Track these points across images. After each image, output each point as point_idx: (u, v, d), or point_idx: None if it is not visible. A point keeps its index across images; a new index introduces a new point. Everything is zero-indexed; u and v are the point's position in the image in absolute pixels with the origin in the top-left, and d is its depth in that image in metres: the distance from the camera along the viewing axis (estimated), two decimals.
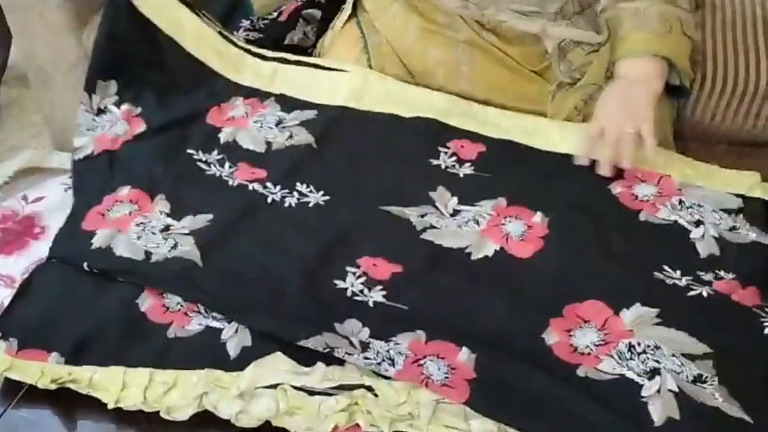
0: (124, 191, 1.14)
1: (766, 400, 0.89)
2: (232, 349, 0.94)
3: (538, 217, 1.11)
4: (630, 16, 1.20)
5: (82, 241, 1.07)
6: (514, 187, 1.15)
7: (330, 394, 0.89)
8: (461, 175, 1.18)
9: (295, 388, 0.89)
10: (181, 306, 0.99)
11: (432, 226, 1.09)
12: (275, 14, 1.44)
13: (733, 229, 1.10)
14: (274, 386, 0.89)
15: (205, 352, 0.94)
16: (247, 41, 1.40)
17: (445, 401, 0.88)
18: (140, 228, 1.09)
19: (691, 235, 1.09)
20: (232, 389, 0.89)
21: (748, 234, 1.09)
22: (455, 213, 1.12)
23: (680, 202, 1.14)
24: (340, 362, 0.91)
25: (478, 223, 1.10)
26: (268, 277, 1.01)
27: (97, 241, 1.07)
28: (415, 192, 1.15)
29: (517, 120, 1.26)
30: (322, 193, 1.14)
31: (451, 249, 1.06)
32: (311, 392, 0.89)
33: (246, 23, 1.44)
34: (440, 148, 1.22)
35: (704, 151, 1.28)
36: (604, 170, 1.16)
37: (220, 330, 0.96)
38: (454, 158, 1.21)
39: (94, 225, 1.10)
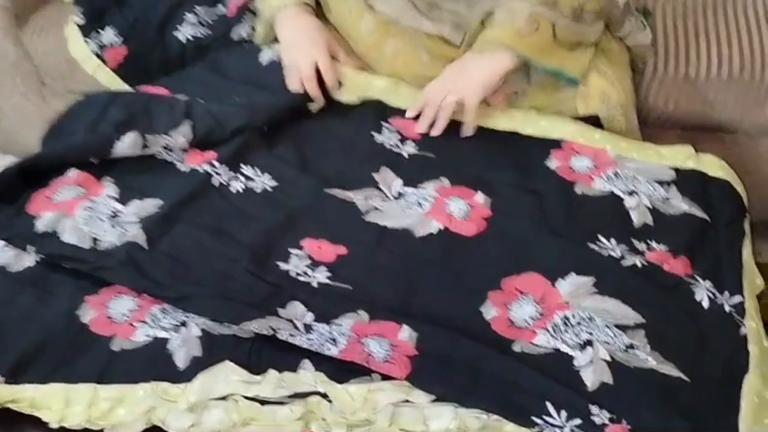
0: (72, 174, 1.14)
1: (700, 361, 0.93)
2: (180, 360, 0.91)
3: (480, 197, 1.13)
4: (503, 11, 1.21)
5: (26, 223, 1.07)
6: (457, 167, 1.18)
7: (283, 403, 0.87)
8: (405, 155, 1.20)
9: (247, 398, 0.87)
10: (126, 316, 0.96)
11: (376, 208, 1.11)
12: (223, 9, 1.45)
13: (666, 200, 1.14)
14: (226, 397, 0.88)
15: (151, 365, 0.91)
16: (195, 38, 1.42)
17: (403, 404, 0.88)
18: (87, 213, 1.08)
19: (626, 204, 1.12)
20: (181, 402, 0.87)
21: (681, 205, 1.13)
22: (399, 195, 1.14)
23: (615, 174, 1.17)
24: (293, 368, 0.90)
25: (421, 206, 1.12)
26: (215, 262, 1.03)
27: (41, 225, 1.06)
28: (360, 174, 1.17)
29: None
30: (268, 176, 1.16)
31: (395, 229, 1.09)
32: (264, 402, 0.87)
33: (191, 17, 1.44)
34: (383, 123, 1.24)
35: (658, 137, 1.32)
36: (420, 127, 1.23)
37: (167, 340, 0.93)
38: (397, 136, 1.23)
39: (39, 208, 1.08)
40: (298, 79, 1.26)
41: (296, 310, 0.97)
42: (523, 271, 1.02)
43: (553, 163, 1.18)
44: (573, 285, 1.00)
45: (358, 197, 1.13)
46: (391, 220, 1.10)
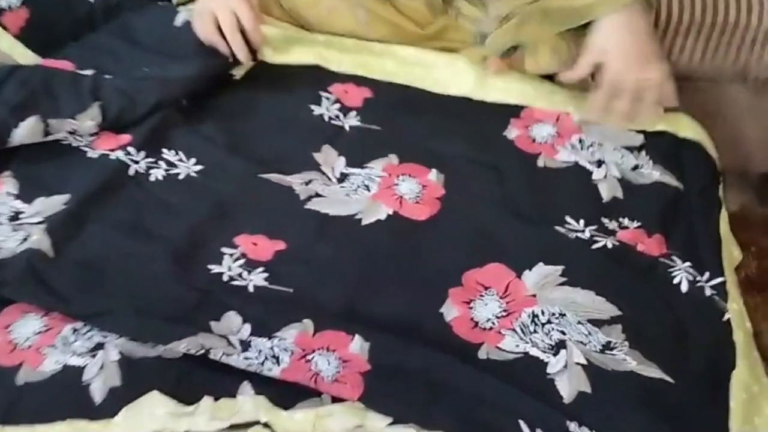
0: None
1: (682, 357, 0.85)
2: (98, 392, 0.78)
3: (433, 175, 1.02)
4: None
5: None
6: (406, 141, 1.06)
7: None
8: (347, 128, 1.08)
9: None
10: (32, 341, 0.82)
11: (317, 195, 0.99)
12: None
13: (636, 168, 1.04)
14: None
15: (64, 399, 0.78)
16: None
17: (357, 430, 0.77)
18: None
19: (593, 177, 1.02)
20: None
21: (652, 173, 1.04)
22: (343, 178, 1.02)
23: (580, 141, 1.07)
24: (231, 393, 0.78)
25: (368, 188, 1.00)
26: (133, 267, 0.90)
27: None
28: (298, 154, 1.04)
29: (405, 54, 1.16)
30: (193, 161, 1.02)
31: (339, 217, 0.96)
32: None
33: None
34: (322, 93, 1.12)
35: None
36: (617, 121, 1.07)
37: (82, 368, 0.80)
38: (337, 106, 1.10)
39: None
40: (212, 25, 1.10)
41: (231, 322, 0.85)
42: (486, 261, 0.91)
43: (512, 132, 1.07)
44: (539, 275, 0.90)
45: (296, 182, 1.00)
46: (334, 206, 0.98)
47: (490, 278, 0.90)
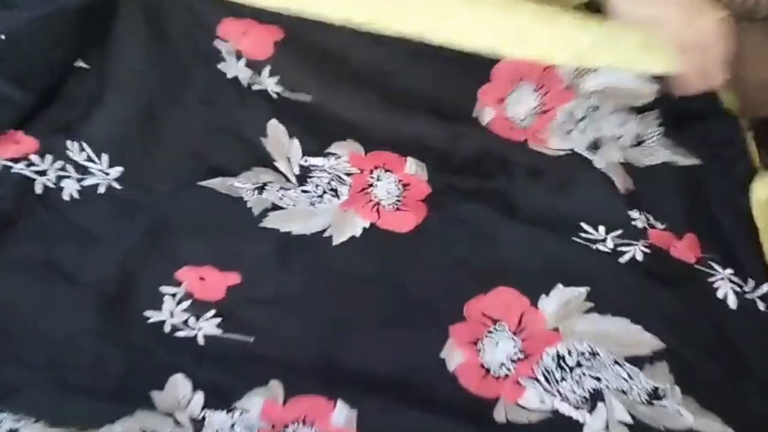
0: None
1: (742, 396, 0.69)
2: None
3: (410, 166, 0.83)
4: None
5: None
6: (356, 117, 0.85)
7: None
8: (273, 95, 0.87)
9: None
10: None
11: (275, 207, 0.80)
12: None
13: (639, 143, 0.85)
14: None
15: None
16: None
17: None
18: None
19: (596, 165, 0.84)
20: None
21: (659, 150, 0.85)
22: (304, 176, 0.83)
23: (569, 114, 0.86)
24: None
25: (336, 193, 0.81)
26: (47, 323, 0.71)
27: None
28: (241, 141, 0.84)
29: None
30: (108, 158, 0.82)
31: (303, 237, 0.78)
32: None
33: None
34: (213, 39, 0.88)
35: None
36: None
37: None
38: (243, 62, 0.88)
39: None
40: None
41: (178, 390, 0.67)
42: (491, 285, 0.74)
43: (486, 112, 0.87)
44: (560, 301, 0.72)
45: (246, 189, 0.81)
46: (297, 222, 0.79)
47: (499, 308, 0.72)
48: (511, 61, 0.85)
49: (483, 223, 0.78)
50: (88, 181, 0.81)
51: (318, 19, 0.86)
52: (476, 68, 0.85)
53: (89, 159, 0.82)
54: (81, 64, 0.89)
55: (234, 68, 0.88)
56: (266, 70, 0.87)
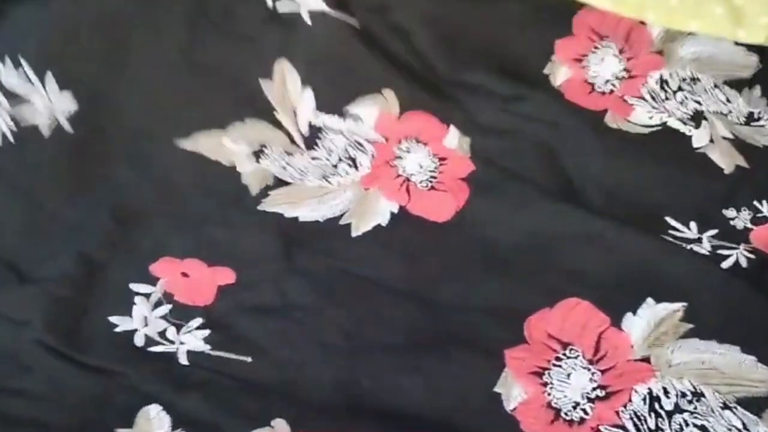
0: None
1: None
2: None
3: (453, 137, 0.66)
4: None
5: None
6: (404, 57, 0.68)
7: None
8: (305, 17, 0.69)
9: None
10: None
11: (278, 181, 0.62)
12: None
13: (752, 120, 0.69)
14: None
15: None
16: None
17: None
18: None
19: (694, 144, 0.67)
20: None
21: None
22: (314, 136, 0.65)
23: (663, 83, 0.70)
24: None
25: (355, 163, 0.64)
26: None
27: None
28: (235, 81, 0.66)
29: None
30: (71, 96, 0.63)
31: (315, 225, 0.61)
32: None
33: None
34: None
35: None
36: None
37: None
38: None
39: None
40: None
41: (152, 429, 0.50)
42: (558, 296, 0.57)
43: (560, 71, 0.70)
44: (650, 321, 0.56)
45: (242, 152, 0.63)
46: (305, 204, 0.62)
47: (570, 328, 0.56)
48: (594, 11, 0.68)
49: (544, 214, 0.61)
50: (23, 115, 0.62)
51: None
52: (553, 15, 0.68)
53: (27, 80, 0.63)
54: None
55: None
56: None
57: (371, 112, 0.67)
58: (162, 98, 0.65)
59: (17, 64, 0.63)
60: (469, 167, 0.65)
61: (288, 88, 0.66)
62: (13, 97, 0.63)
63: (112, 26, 0.66)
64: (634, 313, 0.56)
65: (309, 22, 0.68)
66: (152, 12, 0.67)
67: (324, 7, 0.69)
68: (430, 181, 0.64)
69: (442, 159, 0.66)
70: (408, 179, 0.64)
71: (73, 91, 0.63)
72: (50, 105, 0.63)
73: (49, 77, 0.63)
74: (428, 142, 0.67)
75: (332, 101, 0.66)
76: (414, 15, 0.70)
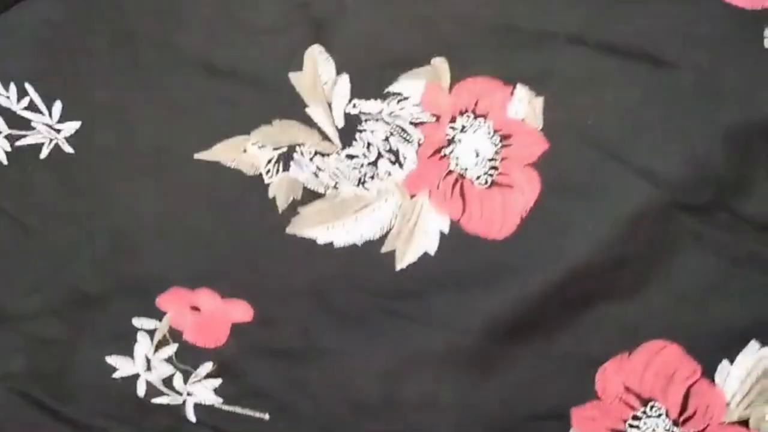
0: None
1: None
2: None
3: (520, 101, 0.53)
4: None
5: None
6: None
7: None
8: None
9: None
10: None
11: (308, 193, 0.53)
12: None
13: None
14: None
15: None
16: None
17: None
18: None
19: None
20: None
21: None
22: (350, 129, 0.55)
23: None
24: None
25: (397, 158, 0.53)
26: None
27: None
28: (261, 75, 0.55)
29: None
30: (60, 108, 0.55)
31: (352, 250, 0.51)
32: None
33: None
34: None
35: None
36: None
37: None
38: None
39: None
40: None
41: None
42: (640, 338, 0.47)
43: None
44: (751, 373, 0.45)
45: (266, 157, 0.54)
46: (340, 224, 0.52)
47: (653, 378, 0.46)
48: None
49: (625, 229, 0.50)
50: (28, 140, 0.55)
51: None
52: None
53: (31, 107, 0.55)
54: None
55: None
56: None
57: (417, 86, 0.55)
58: (177, 108, 0.55)
59: (14, 81, 0.55)
60: (542, 146, 0.53)
61: (321, 78, 0.55)
62: (8, 116, 0.55)
63: (123, 37, 0.56)
64: (732, 361, 0.45)
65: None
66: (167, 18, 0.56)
67: None
68: (490, 175, 0.53)
69: (505, 137, 0.53)
70: (462, 176, 0.53)
71: (77, 109, 0.55)
72: (50, 123, 0.55)
73: (51, 95, 0.55)
74: (488, 112, 0.54)
75: (373, 84, 0.55)
76: None
